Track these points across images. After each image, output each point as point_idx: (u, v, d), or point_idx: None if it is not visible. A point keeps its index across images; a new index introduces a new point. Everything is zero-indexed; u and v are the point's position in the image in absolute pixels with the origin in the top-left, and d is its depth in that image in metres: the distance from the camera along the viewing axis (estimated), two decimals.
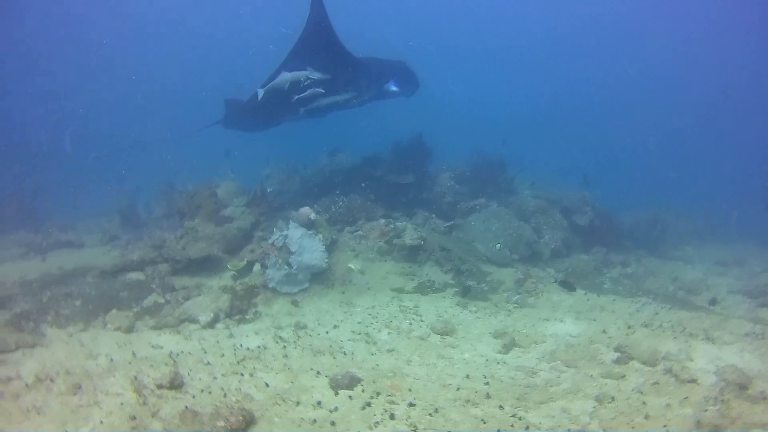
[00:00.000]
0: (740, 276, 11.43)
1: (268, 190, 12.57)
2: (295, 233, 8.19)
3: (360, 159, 12.87)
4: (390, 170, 11.80)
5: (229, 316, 7.02)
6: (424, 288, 8.41)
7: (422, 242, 9.07)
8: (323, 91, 9.37)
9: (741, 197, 22.09)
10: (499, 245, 9.90)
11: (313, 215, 8.59)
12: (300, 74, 9.16)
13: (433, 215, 11.15)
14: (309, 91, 9.28)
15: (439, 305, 7.73)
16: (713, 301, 8.83)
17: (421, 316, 7.19)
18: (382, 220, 9.81)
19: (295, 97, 9.36)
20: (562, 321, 7.11)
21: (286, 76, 9.17)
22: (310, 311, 7.39)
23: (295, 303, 7.65)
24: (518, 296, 8.15)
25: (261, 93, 9.38)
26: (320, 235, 8.46)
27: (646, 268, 11.24)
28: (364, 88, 10.53)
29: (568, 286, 8.32)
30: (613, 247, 12.13)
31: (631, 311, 7.54)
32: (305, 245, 8.15)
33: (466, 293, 8.19)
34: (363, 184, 11.50)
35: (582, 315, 7.34)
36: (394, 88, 11.10)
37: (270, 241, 8.23)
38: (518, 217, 10.92)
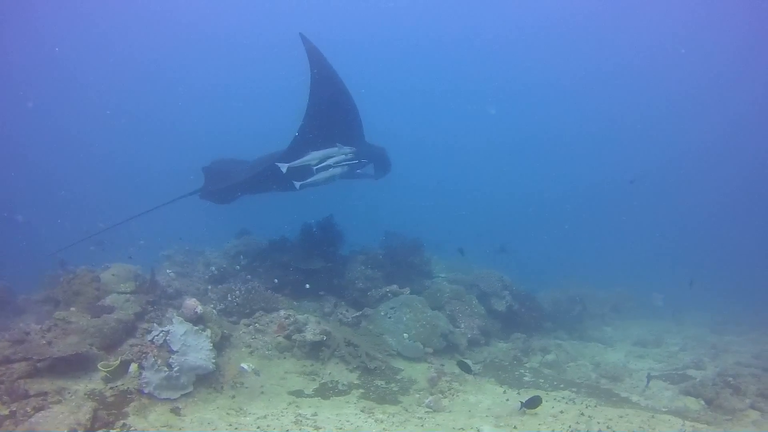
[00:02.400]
0: (660, 357, 11.33)
1: (168, 272, 11.51)
2: (178, 329, 7.12)
3: (267, 242, 12.05)
4: (298, 255, 10.99)
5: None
6: (327, 390, 7.45)
7: (325, 337, 8.18)
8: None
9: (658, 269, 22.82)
10: (406, 335, 9.15)
11: (199, 308, 7.56)
12: (331, 155, 9.16)
13: (343, 303, 10.33)
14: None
15: (341, 412, 6.75)
16: (649, 378, 8.86)
17: (319, 429, 6.20)
18: (282, 312, 8.88)
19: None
20: (479, 431, 6.30)
21: (315, 155, 9.05)
22: (191, 422, 6.27)
23: (175, 411, 6.52)
24: (431, 398, 7.29)
25: (284, 167, 8.96)
26: (208, 331, 7.42)
27: (567, 353, 10.83)
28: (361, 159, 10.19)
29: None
30: (534, 331, 11.71)
31: (555, 413, 6.83)
32: (190, 343, 7.09)
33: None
34: (266, 271, 10.65)
35: (501, 420, 6.55)
36: (369, 172, 11.33)
37: (149, 339, 7.14)
38: (432, 305, 10.20)
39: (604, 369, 9.81)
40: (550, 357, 10.26)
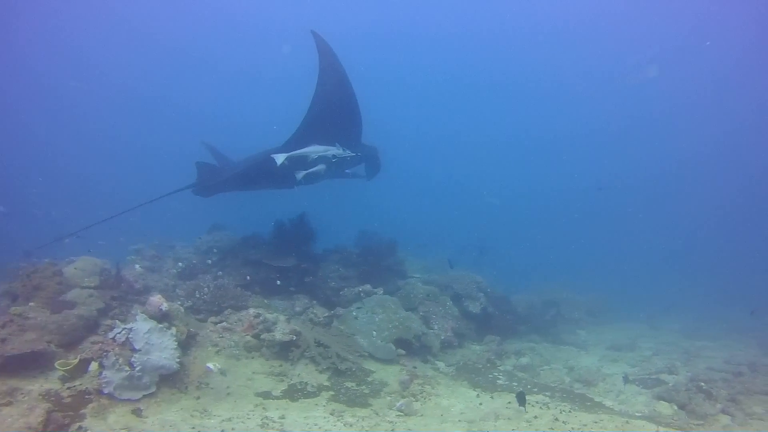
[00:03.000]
0: (633, 361, 11.21)
1: (136, 267, 11.18)
2: (141, 327, 6.84)
3: (239, 238, 11.78)
4: (270, 252, 10.73)
5: None
6: (295, 392, 7.19)
7: (295, 337, 7.93)
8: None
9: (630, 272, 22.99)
10: (377, 336, 8.93)
11: (165, 305, 7.29)
12: (331, 150, 9.05)
13: (315, 302, 10.11)
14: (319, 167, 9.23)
15: (309, 416, 6.51)
16: (626, 380, 9.00)
17: None
18: (252, 310, 8.60)
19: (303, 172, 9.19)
20: None
21: (316, 149, 8.98)
22: (153, 424, 5.99)
23: (137, 413, 6.23)
24: (403, 401, 7.10)
25: (281, 158, 8.83)
26: (173, 329, 7.15)
27: (541, 357, 10.77)
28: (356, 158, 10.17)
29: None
30: (508, 334, 11.60)
31: (529, 418, 6.69)
32: (154, 342, 6.80)
33: None
34: (237, 268, 10.39)
35: (474, 425, 6.37)
36: (359, 172, 11.32)
37: (111, 336, 6.84)
38: (406, 306, 10.02)
39: (577, 373, 9.74)
40: (524, 360, 10.16)
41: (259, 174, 10.35)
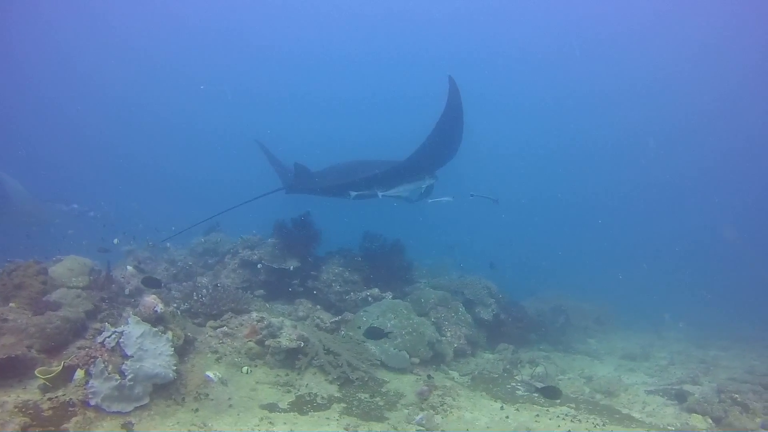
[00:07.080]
0: (650, 371, 10.86)
1: (128, 268, 10.55)
2: (134, 331, 6.19)
3: (237, 239, 11.19)
4: (270, 253, 10.15)
5: None
6: (304, 404, 6.56)
7: (302, 344, 7.31)
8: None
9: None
10: (390, 343, 8.32)
11: (160, 307, 6.65)
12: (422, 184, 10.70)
13: (319, 306, 9.54)
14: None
15: (321, 430, 5.91)
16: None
17: None
18: (254, 314, 7.99)
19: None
20: None
21: (404, 189, 10.55)
22: None
23: (127, 427, 5.57)
24: (422, 414, 6.47)
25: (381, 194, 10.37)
26: (169, 334, 6.51)
27: (556, 366, 10.29)
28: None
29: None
30: (519, 342, 11.05)
31: None
32: (147, 347, 6.16)
33: None
34: (236, 269, 9.82)
35: None
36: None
37: (99, 341, 6.18)
38: (417, 312, 9.44)
39: (597, 383, 9.25)
40: (539, 369, 9.62)
41: (345, 189, 10.73)
